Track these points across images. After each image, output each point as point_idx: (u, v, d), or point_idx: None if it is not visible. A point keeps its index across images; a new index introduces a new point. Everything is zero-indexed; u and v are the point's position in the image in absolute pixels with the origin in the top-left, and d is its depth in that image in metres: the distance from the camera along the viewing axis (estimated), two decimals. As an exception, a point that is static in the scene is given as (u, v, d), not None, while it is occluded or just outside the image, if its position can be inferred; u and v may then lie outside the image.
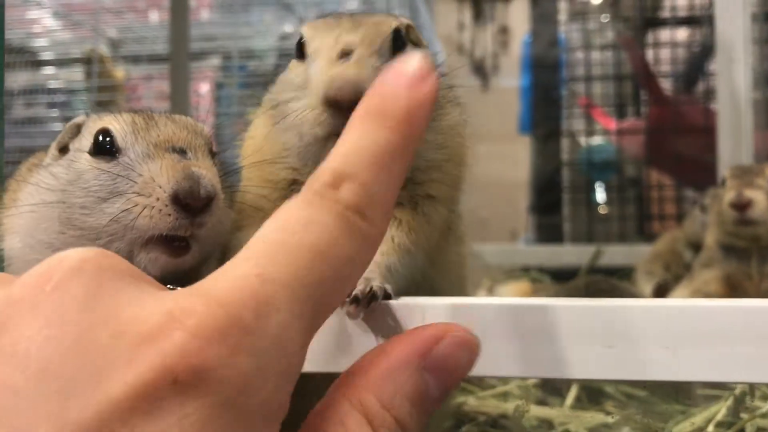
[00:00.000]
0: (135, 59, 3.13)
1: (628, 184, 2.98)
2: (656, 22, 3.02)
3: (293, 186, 0.64)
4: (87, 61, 2.81)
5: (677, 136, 2.48)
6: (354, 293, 0.50)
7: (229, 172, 0.67)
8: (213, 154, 0.65)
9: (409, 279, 0.61)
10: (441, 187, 0.66)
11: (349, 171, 0.41)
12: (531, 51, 3.05)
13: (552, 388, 1.02)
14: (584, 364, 0.47)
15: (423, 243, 0.63)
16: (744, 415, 0.83)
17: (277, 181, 0.65)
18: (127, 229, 0.56)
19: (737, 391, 0.84)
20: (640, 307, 0.48)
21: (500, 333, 0.48)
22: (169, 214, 0.56)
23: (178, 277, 0.57)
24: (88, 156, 0.61)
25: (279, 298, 0.36)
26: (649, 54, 2.95)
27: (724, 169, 1.72)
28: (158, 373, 0.32)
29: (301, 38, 0.63)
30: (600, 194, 2.99)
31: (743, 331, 0.46)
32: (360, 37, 0.59)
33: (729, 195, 1.19)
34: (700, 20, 2.87)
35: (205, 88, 3.39)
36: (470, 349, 0.44)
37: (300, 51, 0.63)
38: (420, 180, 0.65)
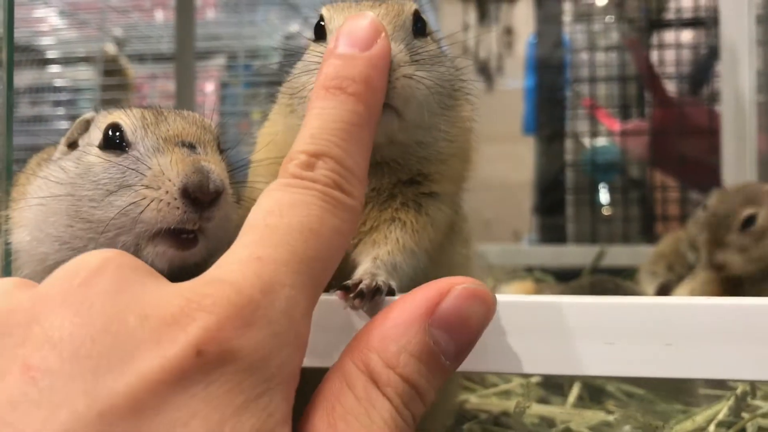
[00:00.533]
0: (140, 58, 3.14)
1: (632, 185, 2.97)
2: (661, 24, 3.02)
3: None
4: (101, 60, 2.82)
5: (681, 138, 2.48)
6: (359, 287, 0.51)
7: (236, 168, 0.67)
8: (221, 150, 0.65)
9: (413, 279, 0.61)
10: (444, 182, 0.66)
11: (320, 150, 0.45)
12: (535, 52, 3.05)
13: (554, 387, 1.02)
14: (586, 360, 0.48)
15: (426, 244, 0.64)
16: (745, 415, 0.83)
17: None
18: (135, 221, 0.56)
19: (738, 391, 0.84)
20: (641, 304, 0.48)
21: (502, 329, 0.49)
22: (178, 207, 0.56)
23: (184, 274, 0.57)
24: (97, 149, 0.61)
25: (281, 275, 0.40)
26: (654, 55, 2.95)
27: (727, 171, 1.73)
28: (185, 350, 0.36)
29: (320, 20, 0.63)
30: (604, 195, 2.99)
31: (744, 329, 0.46)
32: (380, 17, 0.58)
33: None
34: (705, 22, 2.87)
35: (210, 87, 3.40)
36: (482, 299, 0.44)
37: (318, 33, 0.63)
38: (425, 172, 0.65)
